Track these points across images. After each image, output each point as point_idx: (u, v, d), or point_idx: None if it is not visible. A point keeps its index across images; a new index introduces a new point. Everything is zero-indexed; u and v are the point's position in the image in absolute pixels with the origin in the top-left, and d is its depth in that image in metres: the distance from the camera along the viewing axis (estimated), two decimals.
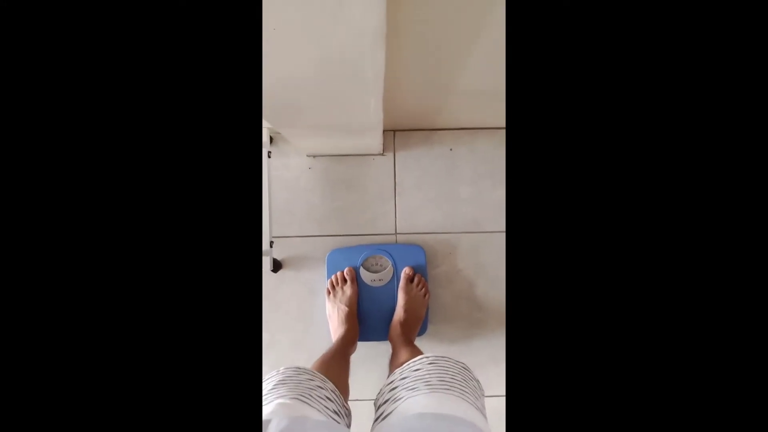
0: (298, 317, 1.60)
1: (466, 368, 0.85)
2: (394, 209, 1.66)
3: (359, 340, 1.54)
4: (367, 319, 1.60)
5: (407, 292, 1.59)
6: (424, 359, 0.84)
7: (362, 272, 1.62)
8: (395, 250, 1.63)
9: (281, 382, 0.77)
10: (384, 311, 1.61)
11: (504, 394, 1.66)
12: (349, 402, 0.92)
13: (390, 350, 1.39)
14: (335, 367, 1.11)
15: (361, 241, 1.66)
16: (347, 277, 1.59)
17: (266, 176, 1.50)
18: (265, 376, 0.81)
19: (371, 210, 1.65)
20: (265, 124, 1.44)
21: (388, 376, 0.89)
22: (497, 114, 1.39)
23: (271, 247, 1.56)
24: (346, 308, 1.55)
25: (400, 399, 0.72)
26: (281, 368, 0.86)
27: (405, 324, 1.52)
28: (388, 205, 1.65)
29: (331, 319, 1.57)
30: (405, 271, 1.60)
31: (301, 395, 0.73)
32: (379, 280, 1.62)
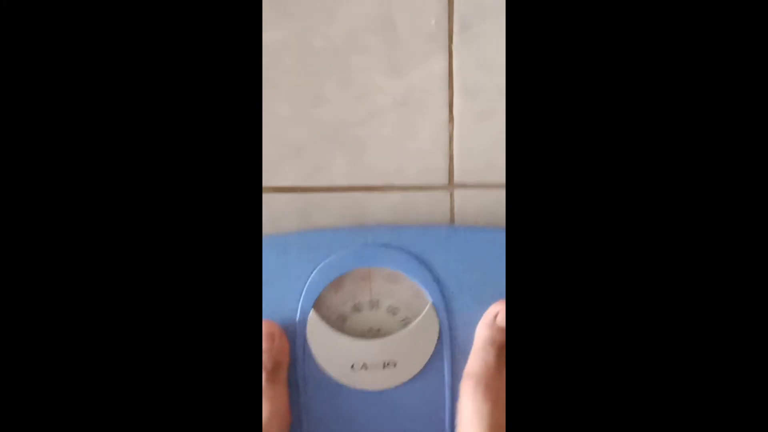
0: None
1: None
2: (446, 86, 0.43)
3: None
4: None
5: (499, 410, 0.41)
6: None
7: (318, 334, 0.42)
8: (447, 249, 0.43)
9: None
10: None
11: None
12: None
13: None
14: None
15: (324, 220, 0.44)
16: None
17: None
18: None
19: (359, 80, 0.43)
20: None
21: None
22: None
23: None
24: None
25: None
26: None
27: None
28: (432, 59, 0.42)
29: None
30: (493, 323, 0.42)
31: None
32: (385, 363, 0.42)
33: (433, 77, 0.41)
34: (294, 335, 0.42)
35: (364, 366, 0.42)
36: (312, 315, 0.41)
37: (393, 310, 0.43)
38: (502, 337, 0.41)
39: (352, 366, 0.42)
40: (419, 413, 0.42)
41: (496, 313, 0.41)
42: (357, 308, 0.43)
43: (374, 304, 0.43)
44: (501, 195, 0.43)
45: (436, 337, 0.42)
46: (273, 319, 0.42)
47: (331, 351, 0.42)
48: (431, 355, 0.42)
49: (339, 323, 0.42)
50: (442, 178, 0.43)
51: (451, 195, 0.43)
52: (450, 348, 0.42)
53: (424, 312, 0.42)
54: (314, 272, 0.42)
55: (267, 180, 0.43)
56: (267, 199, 0.43)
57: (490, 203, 0.43)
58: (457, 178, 0.43)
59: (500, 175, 0.43)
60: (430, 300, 0.42)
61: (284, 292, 0.42)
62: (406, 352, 0.42)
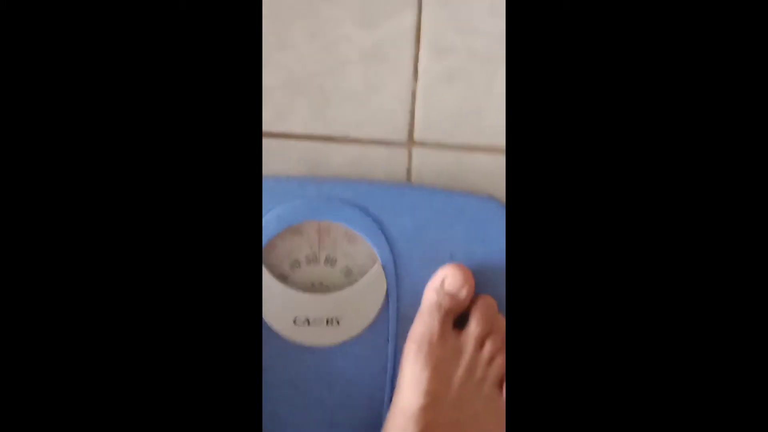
0: None
1: None
2: (414, 42, 0.42)
3: None
4: None
5: (438, 377, 0.39)
6: None
7: (263, 285, 0.41)
8: (401, 208, 0.41)
9: None
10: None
11: None
12: None
13: None
14: None
15: (279, 168, 0.43)
16: None
17: None
18: None
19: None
20: None
21: None
22: None
23: None
24: None
25: None
26: None
27: None
28: (402, 12, 0.42)
29: None
30: (441, 287, 0.41)
31: None
32: (328, 320, 0.41)
33: (401, 32, 0.41)
34: None
35: (307, 321, 0.41)
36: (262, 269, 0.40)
37: (340, 266, 0.41)
38: (448, 302, 0.40)
39: (294, 320, 0.41)
40: (359, 373, 0.41)
41: (444, 277, 0.40)
42: (303, 261, 0.41)
43: (321, 259, 0.41)
44: (460, 157, 0.42)
45: (382, 297, 0.41)
46: None
47: (274, 303, 0.41)
48: (376, 315, 0.41)
49: (284, 275, 0.41)
50: (401, 135, 0.42)
51: (410, 153, 0.42)
52: (396, 309, 0.41)
53: (371, 270, 0.41)
54: (263, 221, 0.40)
55: None
56: None
57: (449, 164, 0.42)
58: (417, 136, 0.42)
59: (461, 137, 0.42)
60: (379, 259, 0.41)
61: None
62: (351, 309, 0.41)
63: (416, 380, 0.39)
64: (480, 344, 0.40)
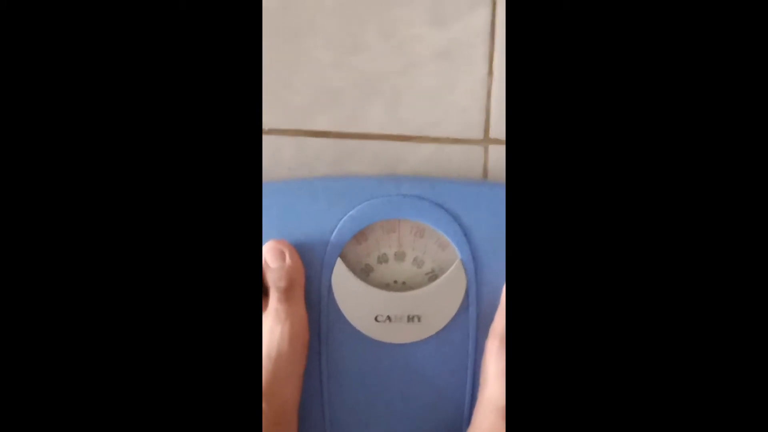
0: None
1: None
2: (488, 40, 0.42)
3: None
4: None
5: None
6: None
7: (344, 283, 0.42)
8: (479, 205, 0.42)
9: None
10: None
11: None
12: None
13: None
14: None
15: (356, 168, 0.44)
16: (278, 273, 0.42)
17: None
18: None
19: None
20: None
21: None
22: None
23: None
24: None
25: None
26: None
27: None
28: (475, 11, 0.42)
29: None
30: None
31: None
32: (410, 317, 0.42)
33: (475, 30, 0.41)
34: (319, 283, 0.41)
35: (388, 318, 0.41)
36: (338, 263, 0.41)
37: (420, 264, 0.42)
38: None
39: (376, 318, 0.41)
40: (441, 369, 0.42)
41: None
42: (383, 259, 0.42)
43: (401, 257, 0.42)
44: None
45: (462, 294, 0.41)
46: None
47: (356, 301, 0.41)
48: (456, 312, 0.41)
49: (364, 274, 0.42)
50: (477, 133, 0.42)
51: (486, 150, 0.42)
52: (476, 305, 0.41)
53: (452, 267, 0.41)
54: (342, 220, 0.41)
55: (301, 124, 0.42)
56: (300, 143, 0.42)
57: None
58: (492, 134, 0.42)
59: None
60: (459, 255, 0.41)
61: (311, 238, 0.41)
62: (432, 307, 0.41)
63: (502, 375, 0.39)
64: None
